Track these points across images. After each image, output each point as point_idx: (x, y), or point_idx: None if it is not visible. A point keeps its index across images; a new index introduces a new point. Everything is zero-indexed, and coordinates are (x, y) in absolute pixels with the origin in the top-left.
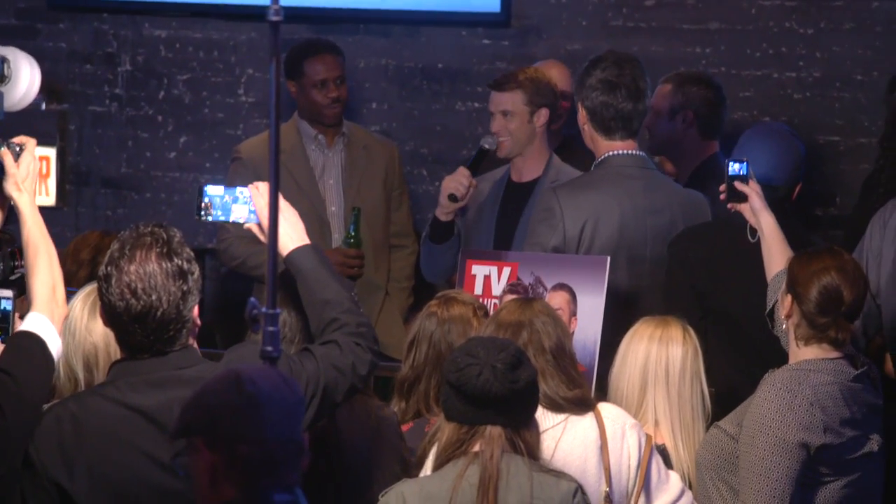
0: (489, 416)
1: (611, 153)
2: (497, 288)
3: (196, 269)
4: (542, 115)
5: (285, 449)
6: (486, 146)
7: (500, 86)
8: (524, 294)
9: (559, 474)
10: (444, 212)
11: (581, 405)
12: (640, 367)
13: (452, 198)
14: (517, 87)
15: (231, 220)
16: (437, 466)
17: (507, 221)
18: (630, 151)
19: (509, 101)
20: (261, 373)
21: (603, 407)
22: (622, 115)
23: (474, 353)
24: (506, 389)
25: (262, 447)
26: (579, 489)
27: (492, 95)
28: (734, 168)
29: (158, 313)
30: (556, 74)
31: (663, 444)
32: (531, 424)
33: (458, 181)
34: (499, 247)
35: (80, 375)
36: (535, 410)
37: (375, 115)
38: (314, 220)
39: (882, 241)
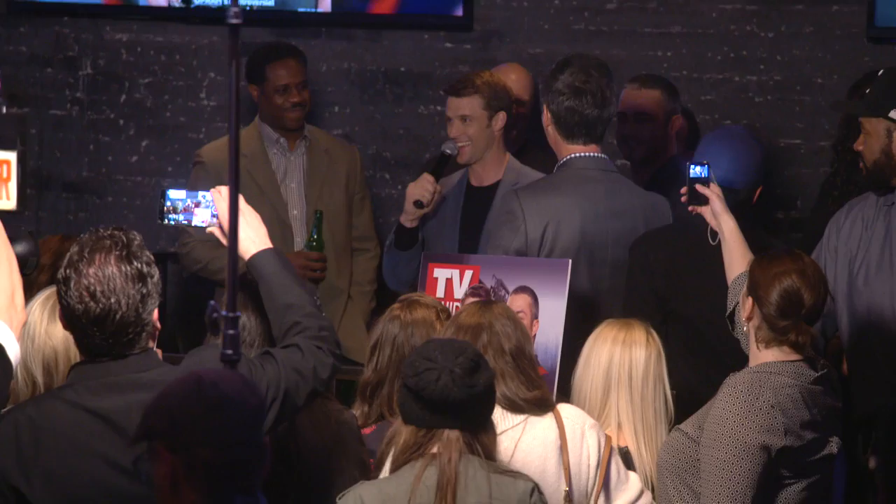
0: (447, 421)
1: (573, 155)
2: (459, 291)
3: (156, 272)
4: (500, 118)
5: (247, 453)
6: (448, 151)
7: (457, 91)
8: (486, 297)
9: (516, 474)
10: (408, 218)
11: (540, 406)
12: (603, 370)
13: (418, 204)
14: (475, 92)
15: (193, 224)
16: (395, 469)
17: (470, 226)
18: (592, 154)
19: (467, 106)
20: (222, 376)
21: (562, 408)
22: (587, 121)
23: (432, 358)
24: (464, 394)
25: (223, 451)
26: (536, 488)
27: (449, 101)
28: (695, 171)
29: (117, 316)
30: (515, 79)
31: (626, 447)
32: (488, 426)
33: (423, 187)
34: (464, 252)
35: (40, 379)
36: (491, 412)
37: (338, 119)
38: (276, 224)
39: (838, 242)
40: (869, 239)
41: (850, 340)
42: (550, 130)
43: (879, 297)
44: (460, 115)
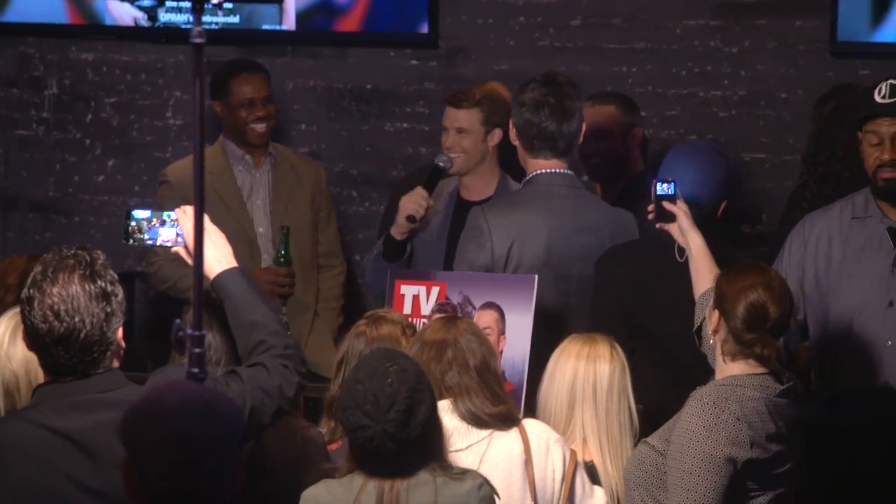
0: (387, 468)
1: (539, 171)
2: (426, 307)
3: (120, 291)
4: (496, 135)
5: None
6: (441, 164)
7: (457, 102)
8: (452, 313)
9: (463, 474)
10: (399, 231)
11: (506, 421)
12: (567, 385)
13: (410, 218)
14: (474, 106)
15: (158, 243)
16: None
17: (457, 238)
18: (558, 170)
19: (465, 119)
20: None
21: (527, 423)
22: (545, 134)
23: (365, 411)
24: (401, 446)
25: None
26: (484, 483)
27: (447, 111)
28: (662, 188)
29: (82, 335)
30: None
31: (591, 461)
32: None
33: (416, 202)
34: (450, 265)
35: (0, 402)
36: (436, 429)
37: (304, 137)
38: (243, 241)
39: (804, 257)
40: (841, 253)
41: (818, 354)
42: (518, 146)
43: (848, 311)
44: (457, 127)
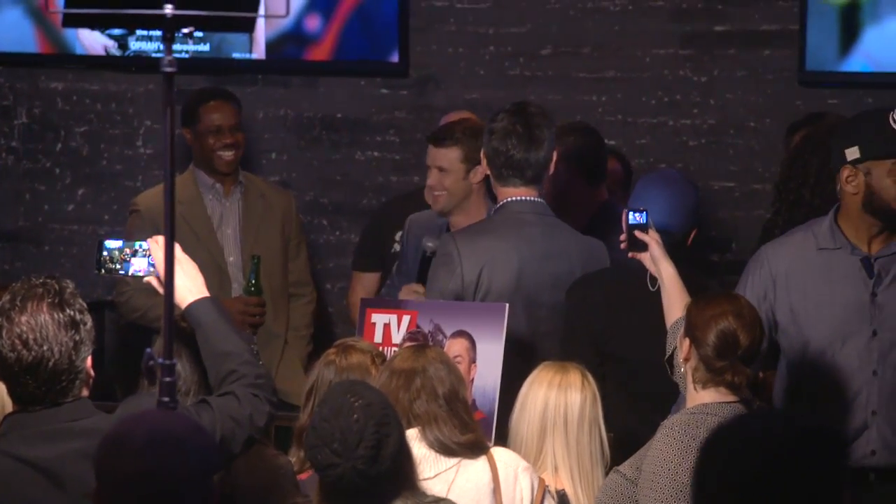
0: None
1: (509, 199)
2: (397, 336)
3: (89, 319)
4: (479, 171)
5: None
6: (429, 253)
7: (438, 141)
8: (423, 342)
9: (436, 503)
10: None
11: (474, 449)
12: (538, 414)
13: None
14: (454, 144)
15: (130, 273)
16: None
17: None
18: (528, 198)
19: (445, 158)
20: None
21: (496, 451)
22: (513, 162)
23: (333, 449)
24: (372, 479)
25: None
26: None
27: (428, 149)
28: (634, 217)
29: (50, 364)
30: None
31: (563, 490)
32: (403, 466)
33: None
34: None
35: None
36: (405, 459)
37: (275, 166)
38: (213, 270)
39: (774, 290)
40: (814, 285)
41: (794, 384)
42: (490, 175)
43: (829, 342)
44: (437, 166)
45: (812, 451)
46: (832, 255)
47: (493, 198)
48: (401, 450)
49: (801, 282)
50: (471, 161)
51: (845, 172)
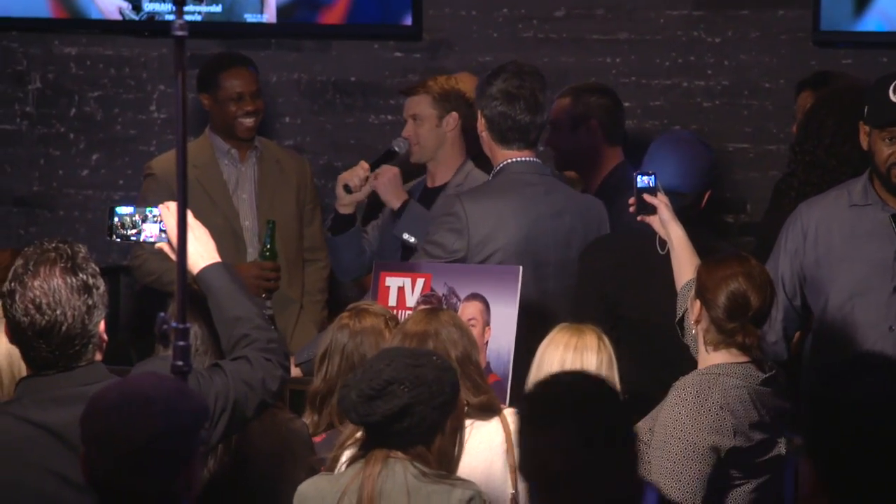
0: (367, 436)
1: (508, 161)
2: (411, 299)
3: (102, 283)
4: (452, 119)
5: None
6: (396, 148)
7: (409, 91)
8: (437, 305)
9: (454, 483)
10: (340, 203)
11: (486, 410)
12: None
13: (346, 189)
14: (424, 92)
15: (142, 239)
16: (351, 462)
17: None
18: (527, 158)
19: (416, 105)
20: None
21: (509, 412)
22: (520, 126)
23: (355, 374)
24: (360, 419)
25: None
26: (475, 496)
27: (405, 101)
28: (642, 181)
29: (63, 328)
30: (470, 85)
31: None
32: (428, 440)
33: (353, 173)
34: (410, 253)
35: None
36: (424, 430)
37: (289, 130)
38: (229, 235)
39: (804, 244)
40: (841, 240)
41: (817, 338)
42: (485, 136)
43: (849, 297)
44: (411, 115)
45: None
46: (862, 211)
47: (477, 154)
48: (403, 415)
49: (828, 237)
50: (443, 109)
51: (861, 130)
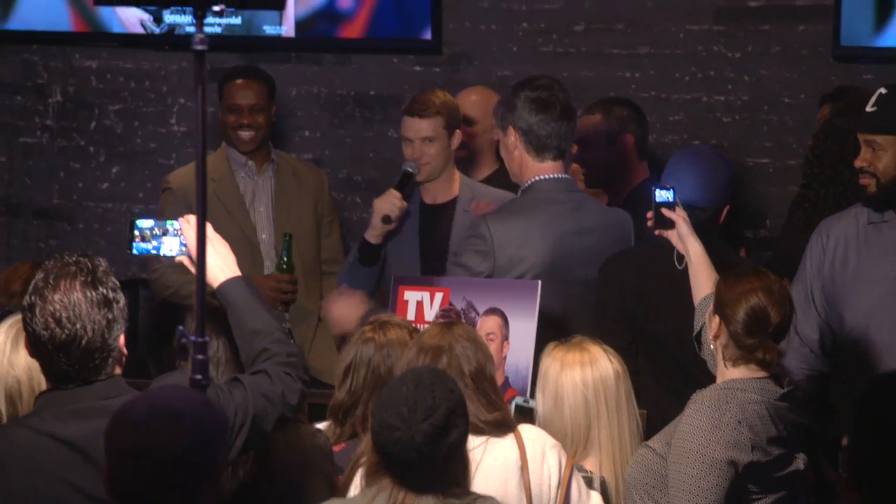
0: (405, 478)
1: (537, 178)
2: (430, 313)
3: (122, 297)
4: (457, 137)
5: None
6: (410, 170)
7: (420, 113)
8: (456, 319)
9: (474, 500)
10: (374, 234)
11: (501, 427)
12: (580, 400)
13: (386, 219)
14: (437, 114)
15: (162, 253)
16: (368, 483)
17: (429, 244)
18: (556, 175)
19: (430, 127)
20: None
21: (523, 428)
22: (557, 133)
23: (400, 413)
24: (425, 460)
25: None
26: None
27: (409, 121)
28: (661, 195)
29: (83, 342)
30: (476, 101)
31: (603, 477)
32: (454, 465)
33: (391, 202)
34: (427, 270)
35: (3, 409)
36: (457, 460)
37: (308, 143)
38: (245, 248)
39: (824, 261)
40: (857, 258)
41: (839, 360)
42: (517, 154)
43: (863, 316)
44: (423, 137)
45: None
46: (879, 228)
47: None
48: (459, 447)
49: (844, 254)
50: (450, 128)
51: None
